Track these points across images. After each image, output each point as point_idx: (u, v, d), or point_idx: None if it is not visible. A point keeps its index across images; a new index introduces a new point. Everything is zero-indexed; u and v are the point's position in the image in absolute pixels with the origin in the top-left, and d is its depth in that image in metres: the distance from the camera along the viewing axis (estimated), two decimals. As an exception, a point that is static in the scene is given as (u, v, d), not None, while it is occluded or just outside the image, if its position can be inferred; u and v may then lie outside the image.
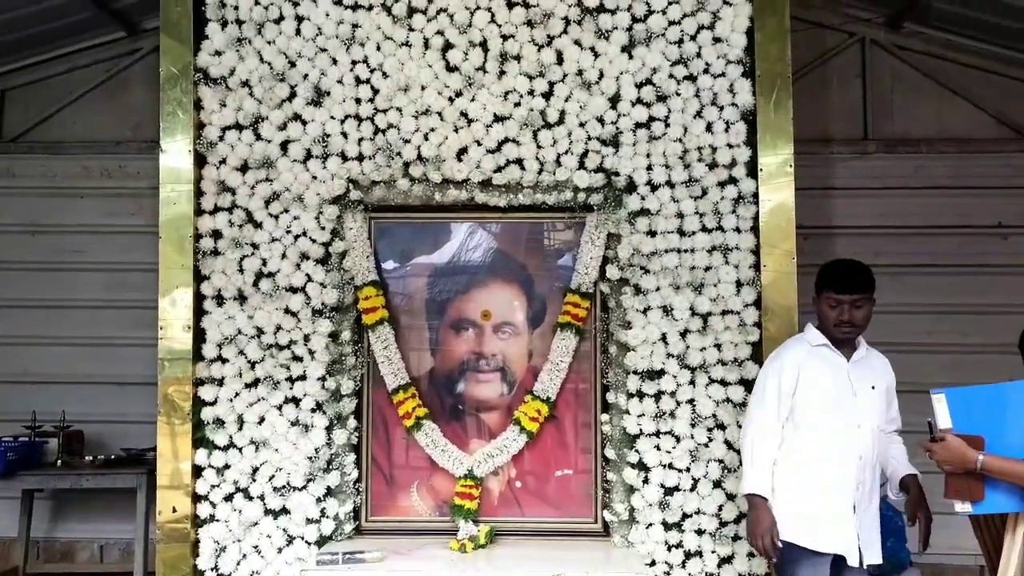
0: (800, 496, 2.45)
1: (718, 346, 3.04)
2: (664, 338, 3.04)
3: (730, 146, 3.08)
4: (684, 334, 3.05)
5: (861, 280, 2.46)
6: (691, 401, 3.03)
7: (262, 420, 3.13)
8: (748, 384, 3.00)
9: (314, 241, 3.15)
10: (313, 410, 3.12)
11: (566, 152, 3.10)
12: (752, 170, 3.07)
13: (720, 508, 2.99)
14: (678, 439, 3.02)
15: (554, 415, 3.18)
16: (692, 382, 3.03)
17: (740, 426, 2.97)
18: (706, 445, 3.01)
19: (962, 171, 4.51)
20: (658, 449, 3.02)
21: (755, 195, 3.07)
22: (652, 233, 3.10)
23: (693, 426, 3.02)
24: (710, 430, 3.02)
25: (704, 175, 3.09)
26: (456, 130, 3.12)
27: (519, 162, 3.11)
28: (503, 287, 3.29)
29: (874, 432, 2.47)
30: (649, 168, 3.10)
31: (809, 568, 2.40)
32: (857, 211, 4.54)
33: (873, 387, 2.50)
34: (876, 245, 4.52)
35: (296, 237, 3.16)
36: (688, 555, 2.98)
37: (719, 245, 3.08)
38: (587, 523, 3.16)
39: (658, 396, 3.03)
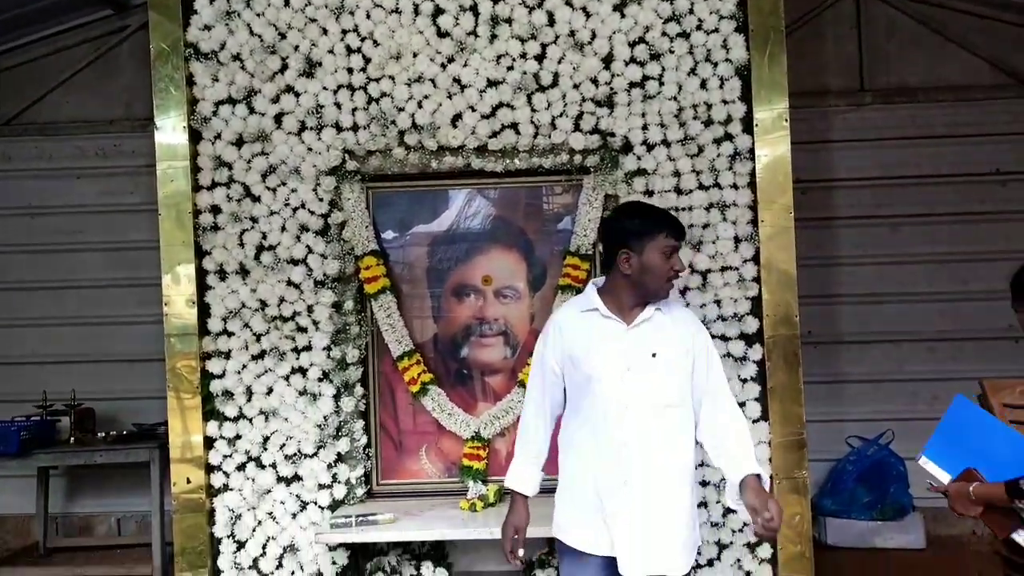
0: (563, 488, 2.18)
1: (718, 302, 3.07)
2: (664, 296, 3.07)
3: (725, 102, 3.08)
4: (684, 291, 3.07)
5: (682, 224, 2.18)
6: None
7: (270, 391, 3.17)
8: (748, 338, 3.05)
9: (313, 213, 3.17)
10: (320, 379, 3.17)
11: (561, 115, 3.10)
12: (748, 126, 3.07)
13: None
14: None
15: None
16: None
17: (741, 381, 3.03)
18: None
19: (959, 119, 4.50)
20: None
21: (751, 151, 3.07)
22: (649, 193, 3.11)
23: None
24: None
25: (700, 132, 3.09)
26: (450, 96, 3.11)
27: (514, 126, 3.11)
28: (503, 252, 3.31)
29: (654, 413, 2.03)
30: (644, 128, 3.10)
31: (571, 566, 2.11)
32: (855, 163, 4.54)
33: (654, 355, 2.03)
34: (875, 197, 4.55)
35: (295, 209, 3.18)
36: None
37: (716, 202, 3.10)
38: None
39: (659, 353, 3.06)
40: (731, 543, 3.05)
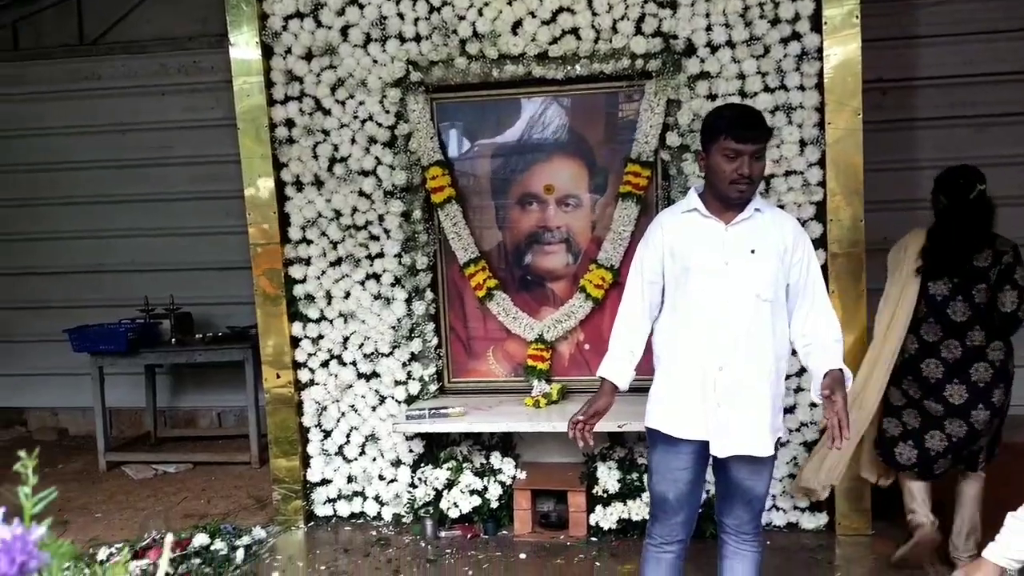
0: (660, 380, 2.21)
1: (781, 207, 3.06)
2: (725, 202, 3.08)
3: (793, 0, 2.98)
4: (745, 197, 3.06)
5: (762, 126, 2.07)
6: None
7: (348, 295, 3.39)
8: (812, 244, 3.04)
9: (380, 125, 3.28)
10: (392, 284, 3.36)
11: (622, 18, 3.07)
12: (816, 24, 2.97)
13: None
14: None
15: (618, 282, 3.30)
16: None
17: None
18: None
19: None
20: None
21: (819, 50, 2.98)
22: (712, 96, 3.08)
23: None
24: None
25: (766, 32, 3.01)
26: (510, 3, 3.11)
27: (575, 32, 3.10)
28: (565, 161, 3.35)
29: (750, 305, 2.06)
30: (708, 29, 3.04)
31: (662, 453, 2.17)
32: (940, 60, 4.30)
33: (753, 251, 2.07)
34: (961, 95, 4.32)
35: (363, 122, 3.29)
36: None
37: (782, 105, 3.04)
38: (650, 380, 3.32)
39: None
40: (787, 442, 3.15)
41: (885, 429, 2.83)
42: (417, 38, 3.20)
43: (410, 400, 3.38)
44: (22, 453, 0.50)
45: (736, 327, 2.08)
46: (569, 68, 3.16)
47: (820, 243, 3.05)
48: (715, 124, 2.07)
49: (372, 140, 3.30)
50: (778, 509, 3.21)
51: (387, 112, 3.27)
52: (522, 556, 3.10)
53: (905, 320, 2.80)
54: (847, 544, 3.07)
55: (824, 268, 3.05)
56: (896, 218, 4.25)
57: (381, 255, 3.36)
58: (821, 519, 3.17)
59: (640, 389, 2.29)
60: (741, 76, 3.05)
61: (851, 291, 3.04)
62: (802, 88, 3.02)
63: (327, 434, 3.47)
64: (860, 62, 2.95)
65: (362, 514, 3.49)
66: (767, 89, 3.04)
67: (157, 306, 4.67)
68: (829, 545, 3.08)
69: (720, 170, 2.04)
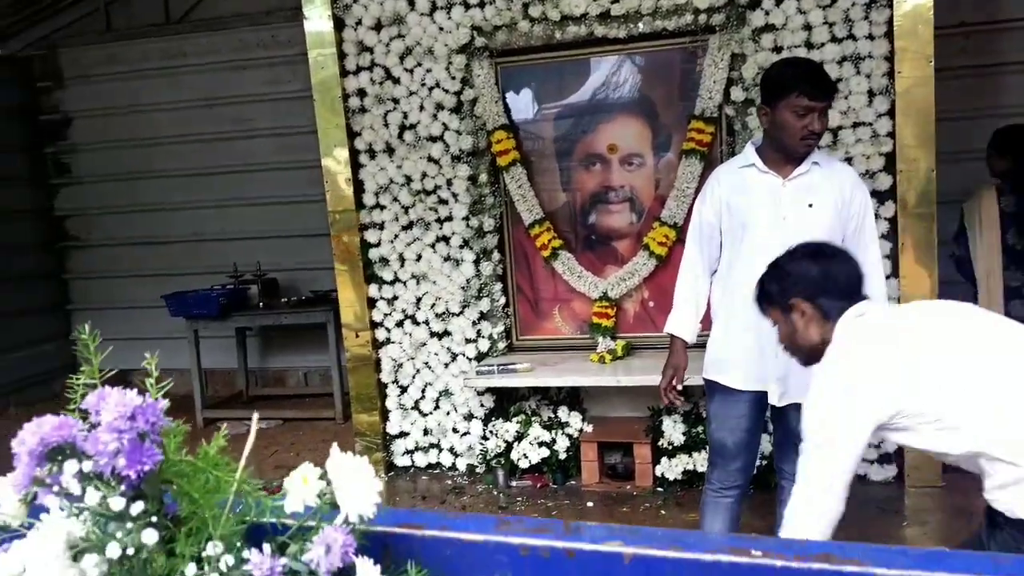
0: (717, 332, 2.25)
1: (849, 159, 3.02)
2: (791, 156, 3.06)
3: (861, -55, 2.90)
4: (811, 151, 3.03)
5: (831, 82, 2.09)
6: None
7: (419, 257, 3.54)
8: (880, 196, 3.00)
9: (446, 91, 3.38)
10: (461, 246, 3.49)
11: (684, -27, 3.05)
12: (886, -31, 2.89)
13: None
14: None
15: (681, 239, 3.31)
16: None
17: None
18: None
19: None
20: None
21: (889, -4, 2.90)
22: (778, 49, 3.04)
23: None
24: (839, 244, 3.07)
25: (833, -20, 2.95)
26: (571, -36, 3.14)
27: (636, -11, 3.11)
28: (628, 120, 3.38)
29: None
30: (772, -20, 2.99)
31: (720, 403, 2.22)
32: (1029, -1, 4.07)
33: (811, 205, 2.09)
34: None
35: (430, 89, 3.40)
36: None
37: (850, 55, 2.99)
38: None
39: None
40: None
41: None
42: (481, 4, 3.27)
43: (480, 357, 3.53)
44: (147, 354, 0.64)
45: None
46: (632, 26, 3.18)
47: (890, 195, 3.00)
48: (784, 80, 2.06)
49: (439, 106, 3.41)
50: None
51: (453, 78, 3.37)
52: (589, 504, 3.22)
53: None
54: (916, 495, 3.06)
55: (894, 220, 3.00)
56: (978, 168, 4.11)
57: (450, 218, 3.49)
58: (890, 471, 3.16)
59: (700, 345, 2.35)
60: (807, 27, 3.00)
61: (923, 243, 2.99)
62: (871, 37, 2.95)
63: (403, 390, 3.66)
64: (932, 8, 2.85)
65: (438, 464, 3.68)
66: (834, 39, 2.99)
67: (245, 272, 4.96)
68: (898, 496, 3.08)
69: (790, 126, 2.04)
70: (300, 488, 0.61)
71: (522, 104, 3.49)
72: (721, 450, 2.25)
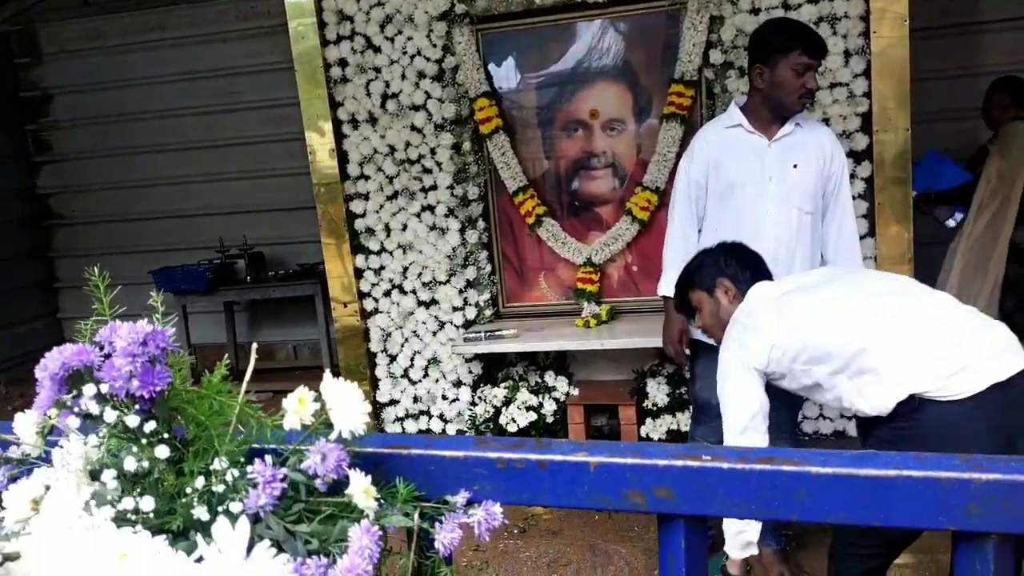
0: None
1: (826, 120, 3.07)
2: (770, 118, 3.10)
3: (837, -96, 2.92)
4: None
5: (824, 42, 2.18)
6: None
7: (405, 227, 3.58)
8: (857, 156, 3.05)
9: (428, 59, 3.40)
10: (446, 215, 3.52)
11: (662, -63, 3.07)
12: (861, -71, 2.92)
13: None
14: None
15: (664, 203, 3.38)
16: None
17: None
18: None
19: None
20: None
21: (864, -43, 2.93)
22: (755, 11, 3.07)
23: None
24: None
25: (809, -58, 2.97)
26: (550, -71, 3.15)
27: (615, -46, 3.12)
28: (609, 85, 3.41)
29: (793, 219, 2.16)
30: (750, -58, 3.02)
31: (706, 361, 2.25)
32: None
33: (795, 165, 2.15)
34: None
35: (412, 57, 3.41)
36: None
37: (826, 15, 3.02)
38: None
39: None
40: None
41: None
42: (460, -30, 3.28)
43: (467, 325, 3.58)
44: (152, 293, 0.69)
45: (777, 241, 2.17)
46: (610, -8, 3.19)
47: (866, 155, 3.05)
48: (784, 39, 2.12)
49: (421, 75, 3.42)
50: (824, 418, 3.31)
51: (434, 46, 3.38)
52: (577, 465, 3.30)
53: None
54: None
55: (870, 180, 3.06)
56: (957, 129, 4.17)
57: (434, 187, 3.52)
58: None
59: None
60: (784, -12, 3.03)
61: (899, 203, 3.04)
62: (847, -3, 2.99)
63: (393, 359, 3.71)
64: (906, -33, 2.88)
65: (428, 431, 3.74)
66: (811, 0, 3.02)
67: (232, 247, 4.98)
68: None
69: (789, 84, 2.11)
70: (297, 408, 0.66)
71: (504, 71, 3.50)
72: (706, 407, 2.32)
